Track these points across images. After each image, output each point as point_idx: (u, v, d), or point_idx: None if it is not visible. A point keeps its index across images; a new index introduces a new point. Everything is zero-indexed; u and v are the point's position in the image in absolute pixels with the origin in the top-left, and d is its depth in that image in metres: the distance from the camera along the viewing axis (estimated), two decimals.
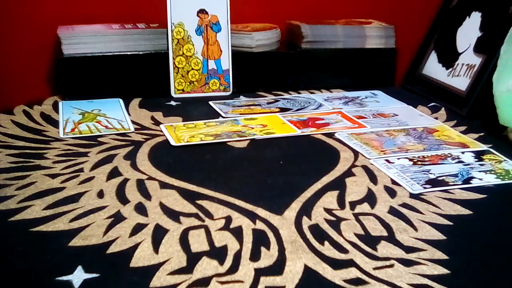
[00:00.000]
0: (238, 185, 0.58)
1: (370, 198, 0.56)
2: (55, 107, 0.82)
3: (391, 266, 0.44)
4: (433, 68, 0.98)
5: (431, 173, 0.62)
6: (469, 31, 0.92)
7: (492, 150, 0.69)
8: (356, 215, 0.52)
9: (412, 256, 0.46)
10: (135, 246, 0.46)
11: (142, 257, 0.45)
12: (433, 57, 0.99)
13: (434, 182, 0.59)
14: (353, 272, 0.43)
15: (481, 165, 0.64)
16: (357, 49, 0.99)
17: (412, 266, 0.44)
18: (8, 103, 0.83)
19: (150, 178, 0.60)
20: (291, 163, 0.65)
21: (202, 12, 0.90)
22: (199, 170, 0.62)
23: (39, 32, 0.89)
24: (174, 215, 0.52)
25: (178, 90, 0.91)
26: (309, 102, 0.88)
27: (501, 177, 0.61)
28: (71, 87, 0.86)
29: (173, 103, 0.88)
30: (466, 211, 0.54)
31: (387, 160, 0.65)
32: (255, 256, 0.45)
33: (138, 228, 0.49)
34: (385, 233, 0.49)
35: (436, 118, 0.83)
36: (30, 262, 0.44)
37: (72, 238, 0.47)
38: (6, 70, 0.89)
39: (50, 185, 0.57)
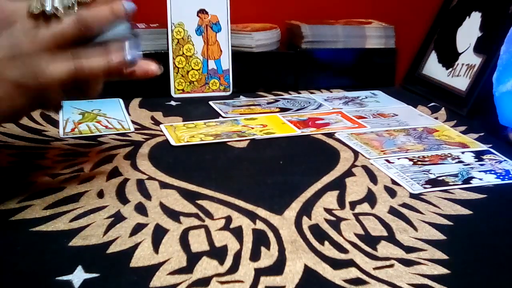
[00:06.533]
0: (238, 185, 0.58)
1: (370, 198, 0.56)
2: None
3: (391, 266, 0.44)
4: (433, 68, 0.98)
5: (431, 173, 0.62)
6: (469, 31, 0.92)
7: (492, 150, 0.69)
8: (356, 215, 0.52)
9: (412, 256, 0.46)
10: (135, 246, 0.46)
11: (142, 257, 0.45)
12: (433, 57, 0.99)
13: (434, 182, 0.59)
14: (353, 272, 0.43)
15: (481, 165, 0.64)
16: (357, 49, 0.99)
17: (412, 266, 0.44)
18: None
19: (150, 178, 0.60)
20: (291, 163, 0.65)
21: (202, 12, 0.90)
22: (199, 170, 0.62)
23: None
24: (174, 215, 0.52)
25: (178, 90, 0.91)
26: (309, 102, 0.88)
27: (501, 177, 0.61)
28: None
29: (173, 103, 0.88)
30: (466, 211, 0.54)
31: (387, 160, 0.65)
32: (255, 256, 0.45)
33: (138, 228, 0.49)
34: (385, 233, 0.49)
35: (436, 118, 0.83)
36: (30, 262, 0.44)
37: (72, 238, 0.47)
38: None
39: (50, 185, 0.57)
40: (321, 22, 1.00)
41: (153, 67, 0.54)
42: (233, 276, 0.42)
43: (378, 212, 0.53)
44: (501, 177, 0.61)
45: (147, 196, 0.55)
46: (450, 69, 0.93)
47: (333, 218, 0.52)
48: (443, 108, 0.88)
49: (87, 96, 0.52)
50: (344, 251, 0.46)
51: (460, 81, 0.90)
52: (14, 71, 0.45)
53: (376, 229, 0.50)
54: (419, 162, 0.64)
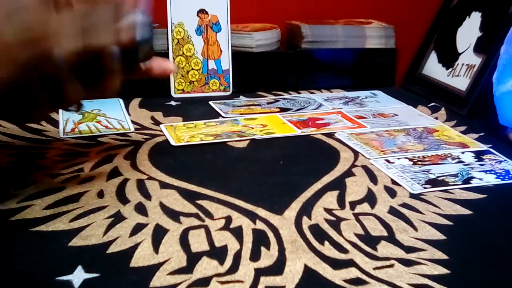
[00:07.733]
0: (238, 185, 0.58)
1: (370, 198, 0.56)
2: None
3: (391, 266, 0.44)
4: (433, 68, 0.98)
5: (431, 173, 0.62)
6: (469, 31, 0.92)
7: (492, 150, 0.69)
8: (356, 215, 0.52)
9: (412, 256, 0.46)
10: (135, 246, 0.46)
11: (142, 257, 0.45)
12: (433, 57, 0.99)
13: (434, 182, 0.59)
14: (353, 272, 0.43)
15: (481, 165, 0.64)
16: (357, 49, 0.99)
17: (412, 266, 0.44)
18: None
19: (150, 178, 0.60)
20: (291, 163, 0.65)
21: (202, 12, 0.90)
22: (199, 170, 0.62)
23: None
24: (174, 215, 0.52)
25: (178, 90, 0.91)
26: (309, 102, 0.88)
27: (501, 177, 0.61)
28: None
29: (173, 103, 0.88)
30: (466, 211, 0.54)
31: (387, 160, 0.65)
32: (255, 256, 0.45)
33: (138, 228, 0.49)
34: (385, 233, 0.49)
35: (436, 118, 0.83)
36: (30, 262, 0.44)
37: (72, 238, 0.47)
38: None
39: (50, 185, 0.57)
40: (321, 22, 1.00)
41: (170, 65, 0.54)
42: (233, 276, 0.42)
43: (378, 212, 0.53)
44: (501, 177, 0.61)
45: (147, 196, 0.55)
46: (450, 69, 0.93)
47: (333, 218, 0.52)
48: (443, 108, 0.88)
49: (105, 91, 0.51)
50: (344, 251, 0.46)
51: (460, 81, 0.90)
52: (26, 54, 0.44)
53: (376, 229, 0.50)
54: (419, 162, 0.64)
